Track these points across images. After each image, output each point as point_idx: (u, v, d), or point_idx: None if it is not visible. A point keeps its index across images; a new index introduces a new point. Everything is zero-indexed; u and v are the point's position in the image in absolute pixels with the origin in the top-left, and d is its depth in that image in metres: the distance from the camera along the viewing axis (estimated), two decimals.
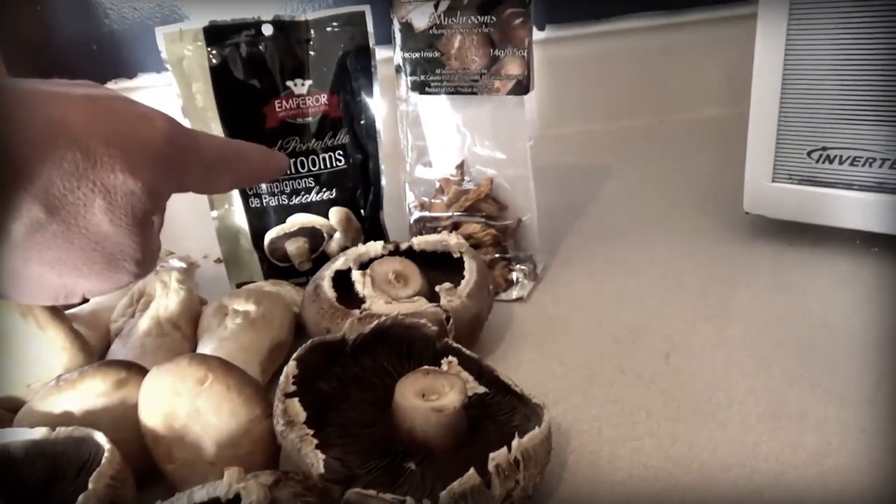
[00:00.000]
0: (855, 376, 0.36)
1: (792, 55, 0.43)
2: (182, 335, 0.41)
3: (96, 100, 0.27)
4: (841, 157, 0.44)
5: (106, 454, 0.29)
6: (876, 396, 0.34)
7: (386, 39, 0.47)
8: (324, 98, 0.47)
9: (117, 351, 0.40)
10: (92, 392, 0.33)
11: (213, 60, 0.45)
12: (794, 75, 0.44)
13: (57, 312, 0.36)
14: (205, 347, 0.39)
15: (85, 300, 0.31)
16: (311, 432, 0.28)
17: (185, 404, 0.31)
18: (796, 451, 0.32)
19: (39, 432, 0.31)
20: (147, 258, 0.30)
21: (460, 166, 0.49)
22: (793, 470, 0.31)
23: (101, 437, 0.30)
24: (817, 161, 0.45)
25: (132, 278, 0.30)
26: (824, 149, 0.44)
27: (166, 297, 0.41)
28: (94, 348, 0.41)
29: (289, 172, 0.48)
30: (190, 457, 0.31)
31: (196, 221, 0.67)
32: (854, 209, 0.45)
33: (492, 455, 0.27)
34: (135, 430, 0.32)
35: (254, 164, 0.35)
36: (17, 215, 0.25)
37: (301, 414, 0.29)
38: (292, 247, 0.49)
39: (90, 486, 0.27)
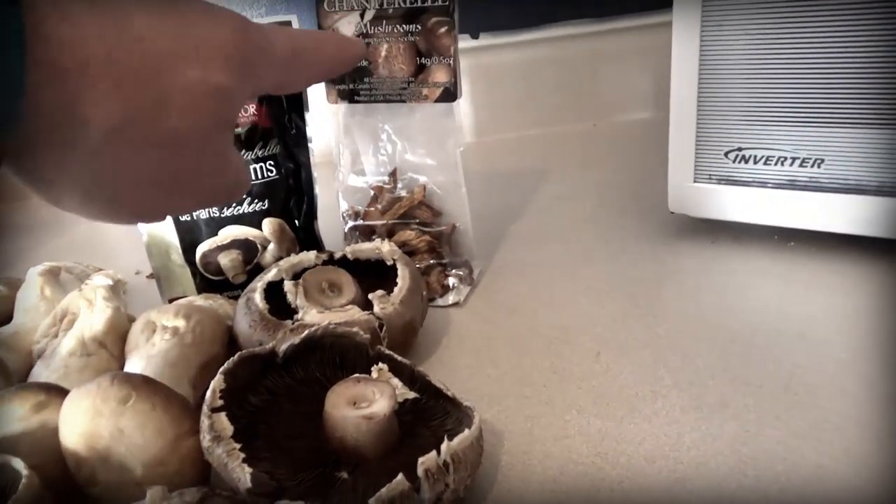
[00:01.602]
0: (771, 367, 0.38)
1: (706, 61, 0.45)
2: (109, 354, 0.40)
3: None
4: (755, 156, 0.46)
5: (23, 480, 0.28)
6: (790, 385, 0.36)
7: None
8: (252, 108, 0.47)
9: (39, 373, 0.38)
10: (9, 417, 0.31)
11: None
12: (708, 80, 0.46)
13: None
14: (132, 365, 0.38)
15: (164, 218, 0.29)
16: (238, 446, 0.28)
17: (107, 425, 0.30)
18: (716, 441, 0.33)
19: None
20: (229, 176, 0.28)
21: (393, 174, 0.49)
22: (713, 459, 0.32)
23: (18, 464, 0.29)
24: (734, 161, 0.47)
25: (218, 201, 0.29)
26: (739, 149, 0.46)
27: (91, 315, 0.40)
28: (16, 371, 0.40)
29: None
30: (115, 479, 0.30)
31: (127, 236, 0.65)
32: (770, 206, 0.47)
33: (421, 459, 0.28)
34: (56, 454, 0.31)
35: (330, 56, 0.33)
36: (90, 117, 0.23)
37: (228, 428, 0.29)
38: (225, 259, 0.49)
39: None
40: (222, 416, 0.29)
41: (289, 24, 0.47)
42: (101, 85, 0.23)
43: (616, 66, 0.82)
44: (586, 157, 0.74)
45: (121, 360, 0.40)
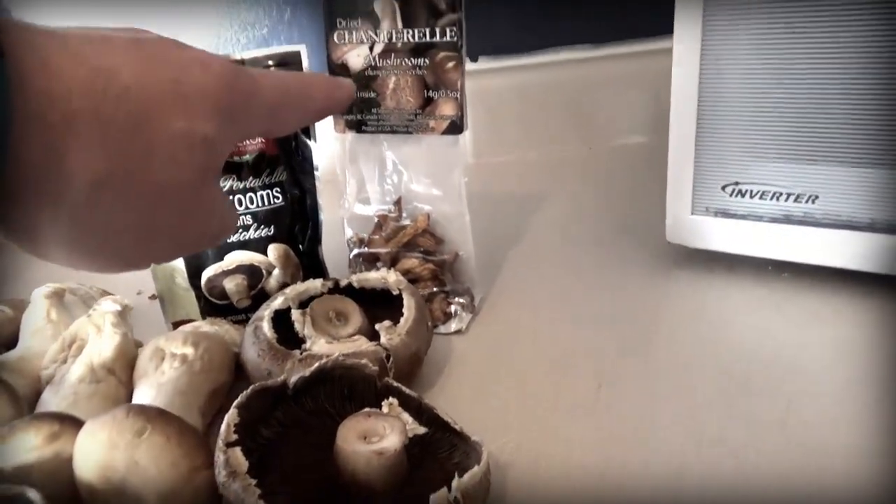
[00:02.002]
0: (767, 398, 0.39)
1: (704, 97, 0.47)
2: (117, 381, 0.40)
3: (145, 44, 0.25)
4: (751, 191, 0.48)
5: None
6: (786, 418, 0.37)
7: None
8: None
9: (48, 399, 0.39)
10: (23, 446, 0.32)
11: None
12: (706, 116, 0.47)
13: None
14: (142, 393, 0.38)
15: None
16: (254, 482, 0.28)
17: (122, 457, 0.30)
18: (716, 476, 0.34)
19: None
20: (213, 225, 0.29)
21: (397, 203, 0.50)
22: (716, 498, 0.33)
23: (34, 495, 0.29)
24: (730, 195, 0.48)
25: (202, 241, 0.29)
26: (736, 184, 0.48)
27: (100, 342, 0.40)
28: (24, 397, 0.40)
29: None
30: None
31: None
32: (764, 239, 0.48)
33: (432, 497, 0.28)
34: (69, 485, 0.31)
35: (320, 99, 0.33)
36: (76, 171, 0.23)
37: (243, 464, 0.29)
38: (231, 284, 0.49)
39: None
40: (237, 451, 0.30)
41: (298, 54, 0.48)
42: (86, 138, 0.23)
43: (610, 91, 0.84)
44: (583, 181, 0.75)
45: (129, 386, 0.40)
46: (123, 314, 0.43)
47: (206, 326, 0.46)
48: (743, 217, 0.49)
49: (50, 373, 0.41)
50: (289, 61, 0.48)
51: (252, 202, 0.48)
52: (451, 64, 0.45)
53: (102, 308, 0.42)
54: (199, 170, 0.26)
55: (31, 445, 0.32)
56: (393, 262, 0.50)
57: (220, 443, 0.30)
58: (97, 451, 0.31)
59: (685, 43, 0.46)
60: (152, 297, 0.57)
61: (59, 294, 0.49)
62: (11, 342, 0.46)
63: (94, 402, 0.38)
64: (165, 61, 0.26)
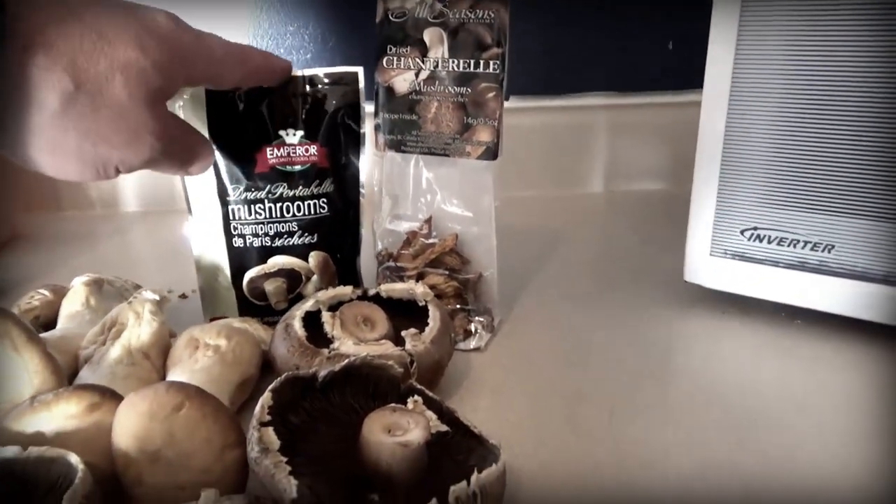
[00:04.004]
0: (776, 436, 0.40)
1: (729, 144, 0.49)
2: (151, 365, 0.42)
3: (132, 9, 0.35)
4: (769, 237, 0.49)
5: (80, 474, 0.30)
6: (794, 454, 0.38)
7: (371, 95, 0.51)
8: (313, 148, 0.50)
9: (86, 377, 0.40)
10: (65, 414, 0.34)
11: (211, 106, 0.48)
12: (730, 163, 0.49)
13: (32, 336, 0.37)
14: (175, 378, 0.40)
15: (117, 173, 0.37)
16: (285, 459, 0.30)
17: (160, 429, 0.32)
18: (723, 499, 0.35)
19: (11, 451, 0.31)
20: (165, 135, 0.36)
21: (428, 221, 0.52)
22: None
23: (74, 458, 0.31)
24: (749, 239, 0.50)
25: (156, 153, 0.36)
26: (755, 229, 0.50)
27: (139, 327, 0.42)
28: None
29: (274, 216, 0.50)
30: (160, 481, 0.32)
31: (161, 258, 0.68)
32: (780, 284, 0.50)
33: (452, 487, 0.30)
34: (104, 453, 0.33)
35: (258, 62, 0.43)
36: (51, 87, 0.31)
37: (275, 442, 0.31)
38: (271, 286, 0.51)
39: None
40: (270, 430, 0.31)
41: (355, 74, 0.51)
42: (59, 60, 0.31)
43: (632, 138, 0.87)
44: (603, 219, 0.78)
45: (162, 371, 0.42)
46: (161, 304, 0.45)
47: (237, 323, 0.48)
48: (760, 261, 0.50)
49: (89, 353, 0.43)
50: (347, 80, 0.50)
51: (299, 210, 0.50)
52: (491, 94, 0.47)
53: (143, 296, 0.44)
54: (148, 92, 0.34)
55: (72, 413, 0.34)
56: (419, 278, 0.52)
57: (253, 421, 0.32)
58: (136, 421, 0.32)
59: (714, 90, 0.49)
60: (182, 296, 0.59)
61: (97, 283, 0.51)
62: (50, 323, 0.49)
63: (129, 383, 0.40)
64: (117, 5, 0.34)
